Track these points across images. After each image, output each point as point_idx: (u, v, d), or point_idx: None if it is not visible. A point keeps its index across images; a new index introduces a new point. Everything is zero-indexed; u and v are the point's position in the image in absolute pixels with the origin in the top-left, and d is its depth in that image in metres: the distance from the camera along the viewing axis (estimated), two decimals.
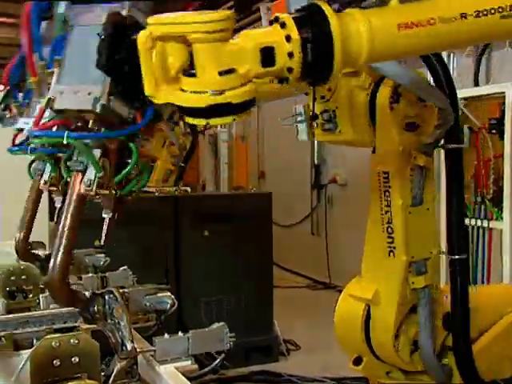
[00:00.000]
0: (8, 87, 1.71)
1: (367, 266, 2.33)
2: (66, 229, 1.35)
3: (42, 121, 1.37)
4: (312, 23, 1.31)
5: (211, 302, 4.56)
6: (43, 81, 1.43)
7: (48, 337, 1.30)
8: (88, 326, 1.68)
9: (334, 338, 2.42)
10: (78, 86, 1.24)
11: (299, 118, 2.36)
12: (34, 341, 1.81)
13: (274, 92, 2.47)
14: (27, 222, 2.25)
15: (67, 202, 1.37)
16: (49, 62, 1.32)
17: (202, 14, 1.19)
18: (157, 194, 4.87)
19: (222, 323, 1.72)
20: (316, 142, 7.00)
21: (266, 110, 8.29)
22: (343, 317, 2.37)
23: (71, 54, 1.27)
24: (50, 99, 1.27)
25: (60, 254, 1.33)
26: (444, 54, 3.94)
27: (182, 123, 6.53)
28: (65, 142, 1.26)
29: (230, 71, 1.21)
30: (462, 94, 3.79)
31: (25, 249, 2.29)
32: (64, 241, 1.34)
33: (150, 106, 1.31)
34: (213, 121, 1.22)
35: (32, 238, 2.44)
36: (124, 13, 1.24)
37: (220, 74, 1.21)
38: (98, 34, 1.19)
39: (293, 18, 1.31)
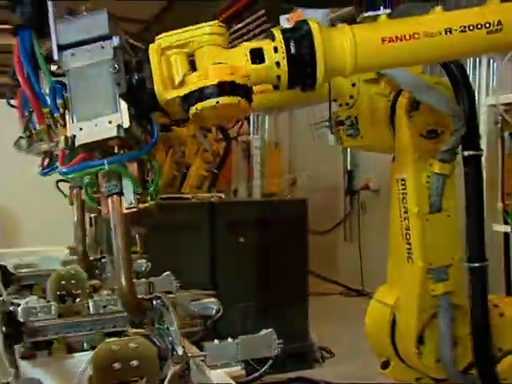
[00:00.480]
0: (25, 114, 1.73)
1: (390, 271, 2.36)
2: (121, 253, 1.38)
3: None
4: (296, 33, 1.44)
5: (246, 308, 4.57)
6: (50, 126, 1.48)
7: (108, 340, 1.33)
8: (136, 330, 1.72)
9: (368, 346, 2.42)
10: (94, 120, 1.34)
11: (327, 124, 2.41)
12: (85, 344, 1.85)
13: (302, 96, 2.52)
14: (81, 237, 2.30)
15: (112, 226, 1.39)
16: (53, 107, 1.39)
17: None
18: (193, 200, 4.92)
19: (270, 329, 1.72)
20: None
21: (297, 116, 8.30)
22: (372, 321, 2.40)
23: (75, 94, 1.36)
24: (68, 138, 1.34)
25: (123, 277, 1.37)
26: (484, 60, 3.91)
27: (214, 129, 6.52)
28: (106, 168, 1.34)
29: (221, 63, 1.38)
30: (502, 99, 3.77)
31: (87, 262, 2.34)
32: (123, 265, 1.37)
33: (153, 124, 1.43)
34: (222, 99, 1.33)
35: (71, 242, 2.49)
36: (117, 44, 1.36)
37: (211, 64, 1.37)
38: (113, 68, 1.32)
39: (280, 29, 1.47)
